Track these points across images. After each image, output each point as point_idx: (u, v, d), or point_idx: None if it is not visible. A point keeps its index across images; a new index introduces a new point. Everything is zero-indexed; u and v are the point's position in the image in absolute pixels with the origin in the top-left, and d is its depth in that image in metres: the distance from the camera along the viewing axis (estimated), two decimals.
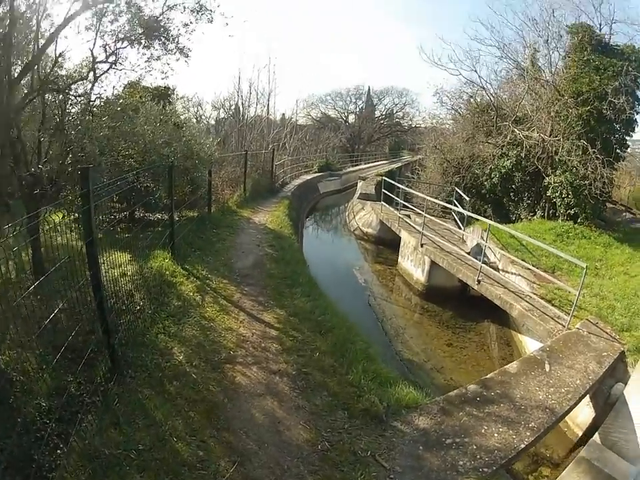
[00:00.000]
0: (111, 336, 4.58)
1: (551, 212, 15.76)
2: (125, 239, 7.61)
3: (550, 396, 5.60)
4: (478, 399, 5.40)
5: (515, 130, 16.59)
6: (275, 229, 12.51)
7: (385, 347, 8.90)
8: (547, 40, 16.75)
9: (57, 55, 6.94)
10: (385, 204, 17.44)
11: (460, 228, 14.06)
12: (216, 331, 6.25)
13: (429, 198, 14.41)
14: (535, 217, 16.23)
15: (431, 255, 11.66)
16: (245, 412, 4.63)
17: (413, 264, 12.85)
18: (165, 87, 13.89)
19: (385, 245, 16.96)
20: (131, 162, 8.80)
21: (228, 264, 9.14)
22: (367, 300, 11.97)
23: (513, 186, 17.38)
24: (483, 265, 9.92)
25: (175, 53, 8.09)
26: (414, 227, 14.25)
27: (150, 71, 8.15)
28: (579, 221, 14.27)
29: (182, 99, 16.24)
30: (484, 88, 19.90)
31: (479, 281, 9.66)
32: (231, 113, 28.28)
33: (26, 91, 6.59)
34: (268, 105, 26.80)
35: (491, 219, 12.74)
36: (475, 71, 19.63)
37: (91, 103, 7.64)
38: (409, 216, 15.95)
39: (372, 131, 60.80)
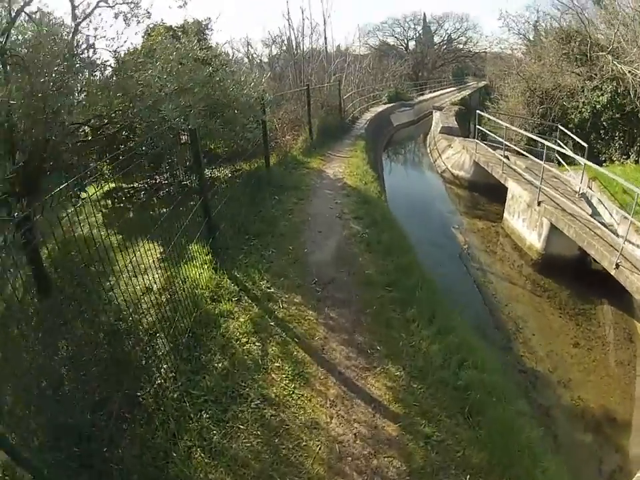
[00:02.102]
0: None
1: None
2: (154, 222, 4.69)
3: None
4: None
5: (615, 63, 14.53)
6: (357, 186, 9.23)
7: (502, 350, 6.86)
8: None
9: None
10: (480, 142, 14.08)
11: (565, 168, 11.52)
12: (291, 436, 3.29)
13: (538, 138, 11.79)
14: (628, 161, 14.11)
15: (552, 218, 9.09)
16: None
17: (526, 225, 10.23)
18: (194, 21, 10.72)
19: (479, 190, 14.20)
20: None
21: (299, 258, 6.08)
22: (473, 275, 9.44)
23: (605, 123, 15.39)
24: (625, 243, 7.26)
25: None
26: (524, 176, 11.27)
27: None
28: None
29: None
30: (579, 10, 17.79)
31: (617, 265, 7.13)
32: (284, 48, 25.01)
33: None
34: (325, 33, 22.91)
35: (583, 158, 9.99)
36: None
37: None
38: (507, 157, 12.80)
39: (435, 57, 57.27)
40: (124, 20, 6.01)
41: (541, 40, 22.25)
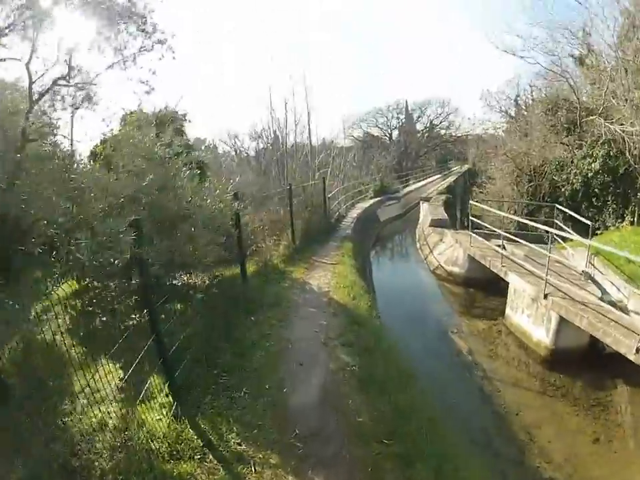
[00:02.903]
0: None
1: None
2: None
3: None
4: None
5: (608, 125, 14.54)
6: (344, 303, 8.33)
7: (516, 467, 6.06)
8: None
9: None
10: (473, 234, 13.42)
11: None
12: None
13: (538, 225, 11.80)
14: (623, 224, 14.53)
15: (561, 311, 8.46)
16: None
17: (531, 320, 9.52)
18: (170, 111, 10.19)
19: (476, 286, 13.33)
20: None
21: (277, 402, 5.05)
22: (478, 385, 8.39)
23: (596, 190, 15.73)
24: None
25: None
26: (525, 267, 10.71)
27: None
28: None
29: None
30: (567, 75, 18.09)
31: (637, 350, 6.64)
32: (270, 142, 25.05)
33: None
34: (309, 126, 22.90)
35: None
36: (556, 55, 18.31)
37: None
38: (503, 247, 12.16)
39: (418, 146, 59.09)
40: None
41: (524, 115, 23.06)
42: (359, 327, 7.13)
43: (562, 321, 8.52)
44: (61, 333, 3.68)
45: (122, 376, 4.30)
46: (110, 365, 4.14)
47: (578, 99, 17.10)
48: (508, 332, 10.34)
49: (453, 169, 57.71)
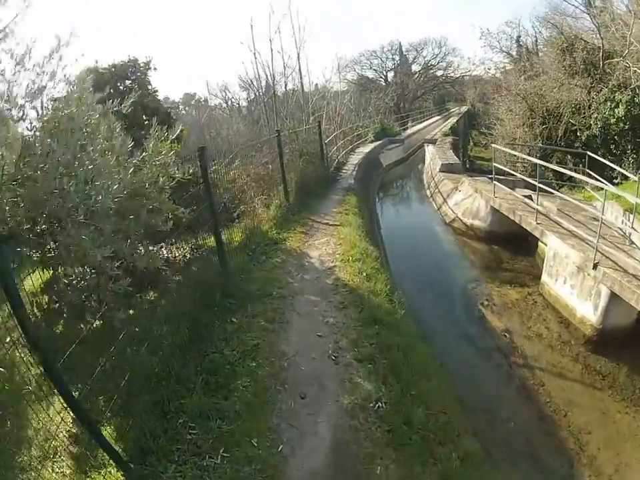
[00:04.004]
0: None
1: None
2: None
3: None
4: None
5: (636, 68, 13.90)
6: (356, 286, 6.27)
7: None
8: None
9: None
10: (497, 184, 11.44)
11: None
12: None
13: (573, 174, 9.94)
14: None
15: (614, 286, 6.92)
16: None
17: (576, 293, 8.00)
18: (130, 59, 8.23)
19: (500, 242, 11.58)
20: None
21: (270, 470, 3.34)
22: (518, 377, 6.96)
23: (615, 137, 14.67)
24: None
25: None
26: (564, 226, 8.92)
27: None
28: None
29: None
30: (590, 12, 16.88)
31: None
32: (261, 90, 23.23)
33: None
34: (299, 65, 20.32)
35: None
36: None
37: None
38: (530, 197, 10.58)
39: (416, 87, 56.23)
40: None
41: (532, 54, 22.41)
42: (379, 327, 5.14)
43: (612, 297, 7.16)
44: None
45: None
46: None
47: (602, 38, 15.75)
48: (546, 304, 8.79)
49: (452, 110, 55.32)
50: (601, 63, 15.66)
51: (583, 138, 15.77)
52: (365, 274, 6.54)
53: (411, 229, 14.74)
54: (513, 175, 11.70)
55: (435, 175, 17.70)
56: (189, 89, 49.53)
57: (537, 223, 9.31)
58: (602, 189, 8.44)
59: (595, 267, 7.26)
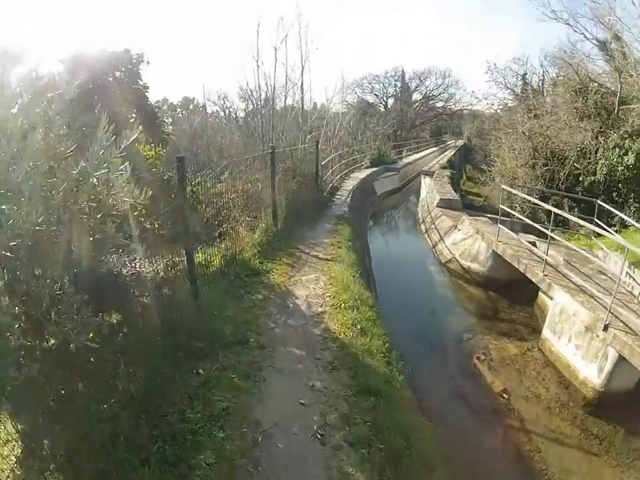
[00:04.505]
0: None
1: None
2: None
3: None
4: None
5: None
6: (348, 341, 5.30)
7: None
8: None
9: None
10: (502, 227, 10.81)
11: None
12: None
13: (592, 226, 8.74)
14: None
15: (624, 349, 6.57)
16: None
17: (581, 354, 7.55)
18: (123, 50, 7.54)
19: (498, 289, 10.93)
20: None
21: None
22: (515, 443, 6.42)
23: (619, 185, 14.49)
24: None
25: None
26: (572, 280, 8.40)
27: None
28: None
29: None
30: (610, 54, 16.74)
31: None
32: (260, 102, 22.19)
33: None
34: (302, 81, 19.61)
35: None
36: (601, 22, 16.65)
37: None
38: (534, 244, 10.26)
39: (415, 116, 55.99)
40: None
41: (539, 93, 22.20)
42: (375, 399, 4.21)
43: (620, 360, 6.80)
44: None
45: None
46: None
47: (620, 83, 15.40)
48: (545, 361, 8.24)
49: (448, 143, 55.62)
50: (616, 108, 15.32)
51: (586, 183, 15.51)
52: (359, 326, 5.61)
53: (403, 266, 13.88)
54: (521, 219, 11.08)
55: (431, 209, 17.07)
56: (188, 93, 48.82)
57: (544, 275, 8.67)
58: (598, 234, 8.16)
59: (605, 328, 6.78)
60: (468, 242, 12.37)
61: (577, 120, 16.50)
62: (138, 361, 3.72)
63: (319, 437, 3.72)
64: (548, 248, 8.84)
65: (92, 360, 3.39)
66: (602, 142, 15.14)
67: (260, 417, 3.85)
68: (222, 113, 30.51)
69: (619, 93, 15.35)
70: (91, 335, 4.03)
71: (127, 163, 2.54)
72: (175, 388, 3.99)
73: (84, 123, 3.74)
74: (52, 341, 3.02)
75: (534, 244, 10.27)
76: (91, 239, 2.52)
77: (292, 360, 4.77)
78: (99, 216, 2.45)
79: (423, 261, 14.22)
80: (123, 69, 8.29)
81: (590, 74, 17.22)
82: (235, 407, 3.89)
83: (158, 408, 3.70)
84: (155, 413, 3.64)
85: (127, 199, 2.48)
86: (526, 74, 26.36)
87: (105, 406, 3.24)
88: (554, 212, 9.10)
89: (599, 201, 11.40)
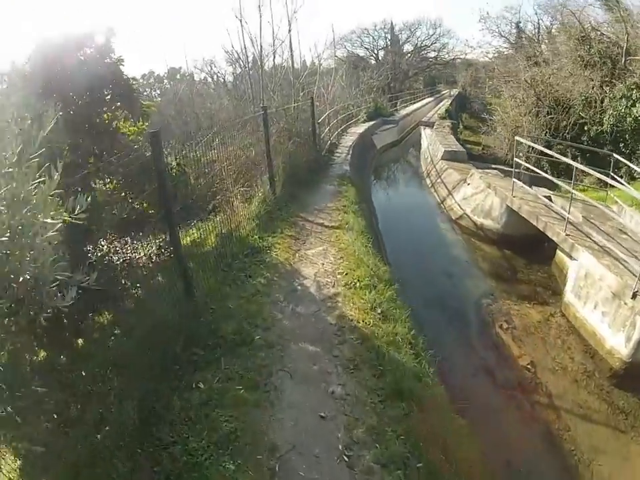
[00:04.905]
0: None
1: None
2: None
3: None
4: None
5: None
6: (367, 326, 4.65)
7: None
8: None
9: None
10: (517, 181, 10.12)
11: None
12: None
13: (609, 180, 8.29)
14: None
15: None
16: None
17: (607, 321, 7.09)
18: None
19: (514, 246, 10.39)
20: None
21: None
22: (544, 420, 6.05)
23: (627, 136, 14.07)
24: None
25: None
26: (595, 240, 7.84)
27: None
28: None
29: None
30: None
31: None
32: (248, 64, 21.20)
33: None
34: (290, 38, 18.39)
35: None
36: None
37: None
38: (549, 198, 9.72)
39: (407, 67, 54.27)
40: None
41: (533, 41, 22.32)
42: (407, 404, 3.58)
43: None
44: None
45: None
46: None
47: (627, 34, 15.07)
48: (570, 328, 7.78)
49: (443, 92, 54.42)
50: (623, 58, 14.98)
51: (592, 133, 15.20)
52: (379, 310, 4.93)
53: (412, 224, 13.21)
54: (536, 172, 10.49)
55: (435, 162, 16.34)
56: (175, 64, 47.46)
57: (566, 234, 8.05)
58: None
59: (634, 296, 6.35)
60: (479, 197, 11.66)
61: (581, 68, 16.12)
62: (130, 381, 3.12)
63: (346, 458, 3.12)
64: (570, 205, 8.19)
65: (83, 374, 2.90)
66: (607, 92, 14.87)
67: (274, 439, 3.24)
68: (210, 79, 29.82)
69: (625, 44, 14.98)
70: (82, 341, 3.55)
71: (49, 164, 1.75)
72: (173, 409, 3.37)
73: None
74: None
75: (549, 198, 9.67)
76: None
77: (306, 359, 4.11)
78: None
79: (432, 217, 13.62)
80: (93, 46, 7.47)
81: (592, 22, 17.01)
82: (244, 428, 3.27)
83: (155, 438, 3.11)
84: (153, 445, 3.05)
85: (51, 221, 1.70)
86: (520, 22, 26.50)
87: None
88: (574, 166, 8.42)
89: (615, 155, 10.80)
